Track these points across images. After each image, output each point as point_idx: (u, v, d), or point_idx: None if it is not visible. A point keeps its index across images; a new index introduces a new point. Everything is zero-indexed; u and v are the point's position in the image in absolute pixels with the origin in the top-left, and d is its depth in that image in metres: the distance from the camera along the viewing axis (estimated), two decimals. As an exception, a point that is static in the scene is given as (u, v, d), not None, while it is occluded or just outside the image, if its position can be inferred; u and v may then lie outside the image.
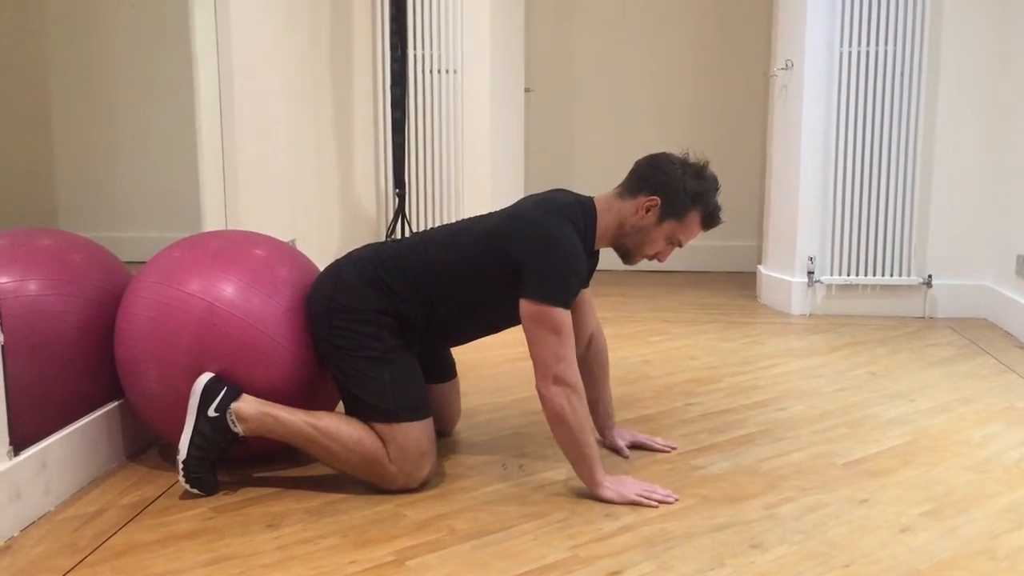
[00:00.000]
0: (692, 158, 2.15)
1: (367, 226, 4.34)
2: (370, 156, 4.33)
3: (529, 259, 2.01)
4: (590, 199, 2.16)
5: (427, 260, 2.11)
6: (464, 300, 2.12)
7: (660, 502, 2.01)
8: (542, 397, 2.01)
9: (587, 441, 2.01)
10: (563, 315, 1.99)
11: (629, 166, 2.20)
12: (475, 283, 2.10)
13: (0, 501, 1.78)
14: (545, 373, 2.00)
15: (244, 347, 2.04)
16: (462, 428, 2.52)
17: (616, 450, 2.31)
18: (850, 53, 3.90)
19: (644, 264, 2.22)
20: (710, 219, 2.15)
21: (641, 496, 2.01)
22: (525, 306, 2.00)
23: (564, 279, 2.01)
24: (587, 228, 2.11)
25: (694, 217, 2.13)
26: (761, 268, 4.47)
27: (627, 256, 2.20)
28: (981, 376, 3.08)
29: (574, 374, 2.00)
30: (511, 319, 2.15)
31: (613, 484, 2.03)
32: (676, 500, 2.03)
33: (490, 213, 2.22)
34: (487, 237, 2.10)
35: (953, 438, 2.46)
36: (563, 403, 1.98)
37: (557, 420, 2.01)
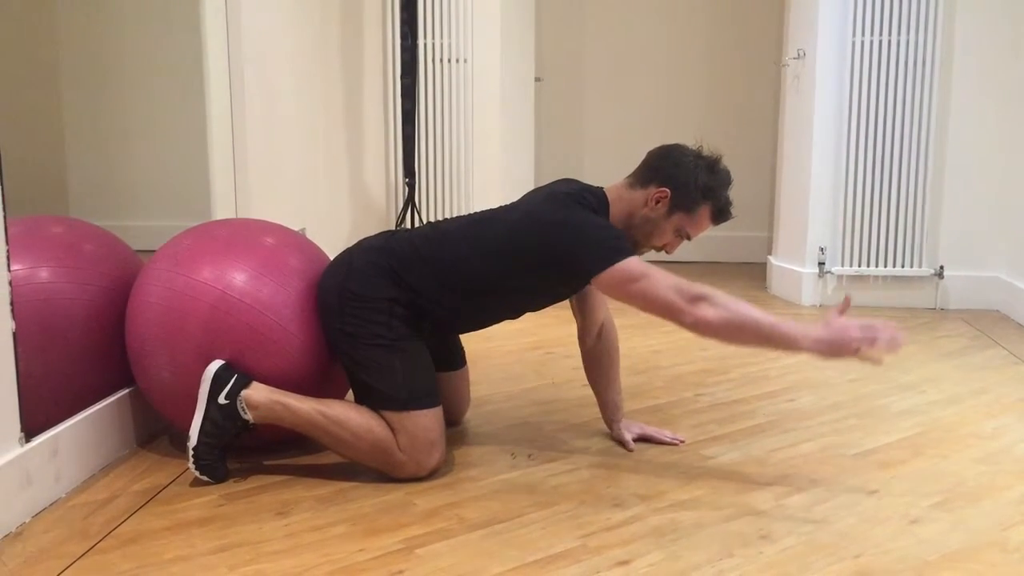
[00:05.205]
0: (706, 151, 2.13)
1: (377, 215, 4.34)
2: (380, 145, 4.33)
3: (568, 248, 1.99)
4: (600, 189, 2.15)
5: (442, 254, 2.10)
6: (477, 293, 2.11)
7: (887, 344, 1.78)
8: (696, 325, 1.88)
9: (762, 322, 1.86)
10: (634, 261, 1.94)
11: (639, 155, 2.19)
12: (492, 280, 2.09)
13: (12, 487, 1.79)
14: (675, 307, 1.89)
15: (255, 335, 2.04)
16: (471, 417, 2.53)
17: (622, 443, 2.30)
18: (863, 42, 3.88)
19: (652, 255, 2.21)
20: (720, 214, 2.13)
21: (863, 345, 1.79)
22: (599, 282, 1.96)
23: (607, 236, 1.99)
24: (600, 215, 2.10)
25: (704, 211, 2.11)
26: (772, 259, 4.45)
27: (634, 246, 2.17)
28: (993, 368, 3.07)
29: (691, 286, 1.89)
30: (521, 310, 2.18)
31: (826, 335, 1.81)
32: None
33: (503, 207, 2.21)
34: (506, 237, 2.07)
35: (964, 430, 2.45)
36: (710, 314, 1.87)
37: (723, 330, 1.88)
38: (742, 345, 1.92)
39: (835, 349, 1.81)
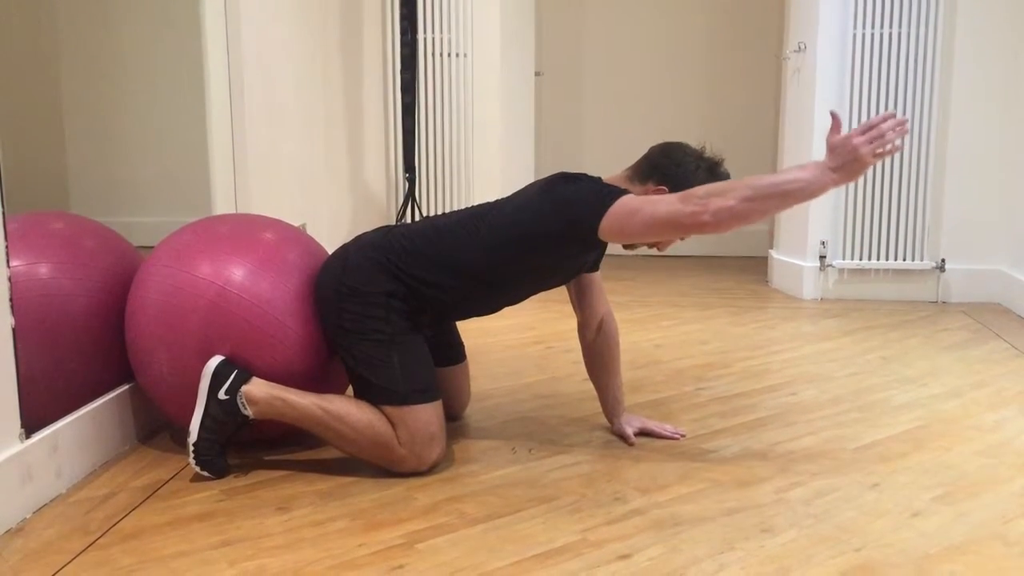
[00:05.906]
0: (708, 152, 2.13)
1: (377, 210, 4.34)
2: (380, 140, 4.33)
3: (566, 224, 2.00)
4: (599, 178, 2.15)
5: (440, 248, 2.10)
6: (480, 283, 2.11)
7: (895, 131, 1.78)
8: (718, 217, 1.85)
9: (776, 183, 1.85)
10: (628, 197, 1.96)
11: (639, 149, 2.19)
12: (491, 271, 2.09)
13: (12, 483, 1.80)
14: (688, 213, 1.87)
15: (254, 330, 2.04)
16: (472, 412, 2.52)
17: (623, 437, 2.30)
18: (863, 35, 3.87)
19: (647, 252, 2.20)
20: None
21: (875, 149, 1.79)
22: (604, 232, 1.96)
23: (593, 191, 2.00)
24: None
25: None
26: (773, 252, 4.45)
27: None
28: (994, 360, 3.06)
29: (694, 190, 1.89)
30: (525, 296, 2.19)
31: (837, 160, 1.80)
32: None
33: (499, 201, 2.20)
34: (504, 230, 2.07)
35: (965, 423, 2.45)
36: (726, 202, 1.84)
37: (747, 209, 1.85)
38: (770, 214, 1.88)
39: (853, 168, 1.81)
